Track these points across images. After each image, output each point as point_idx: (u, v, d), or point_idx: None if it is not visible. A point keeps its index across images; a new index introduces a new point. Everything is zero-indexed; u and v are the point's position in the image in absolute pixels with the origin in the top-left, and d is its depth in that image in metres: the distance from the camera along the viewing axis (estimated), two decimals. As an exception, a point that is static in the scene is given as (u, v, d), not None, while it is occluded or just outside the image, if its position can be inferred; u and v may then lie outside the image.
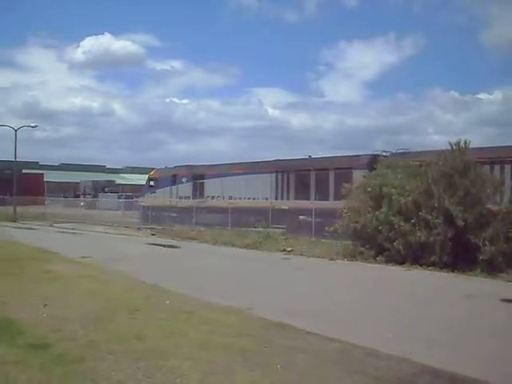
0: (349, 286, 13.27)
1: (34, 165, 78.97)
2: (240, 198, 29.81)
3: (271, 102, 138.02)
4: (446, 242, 15.84)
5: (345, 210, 18.96)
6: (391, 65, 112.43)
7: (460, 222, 15.70)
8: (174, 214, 33.84)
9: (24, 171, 62.88)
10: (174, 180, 35.23)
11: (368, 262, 17.11)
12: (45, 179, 73.54)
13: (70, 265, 14.87)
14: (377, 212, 17.46)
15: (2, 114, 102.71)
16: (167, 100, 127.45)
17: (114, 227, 33.80)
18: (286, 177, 28.63)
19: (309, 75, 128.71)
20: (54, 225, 36.36)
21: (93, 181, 75.23)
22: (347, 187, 20.01)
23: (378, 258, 17.12)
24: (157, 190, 36.56)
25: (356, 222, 18.07)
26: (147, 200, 36.97)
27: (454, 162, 16.77)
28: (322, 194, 26.12)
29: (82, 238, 27.07)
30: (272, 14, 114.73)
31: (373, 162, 22.96)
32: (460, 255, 15.72)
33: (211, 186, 32.60)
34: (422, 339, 7.69)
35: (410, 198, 16.87)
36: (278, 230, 24.98)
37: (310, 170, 27.48)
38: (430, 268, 15.62)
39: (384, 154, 24.60)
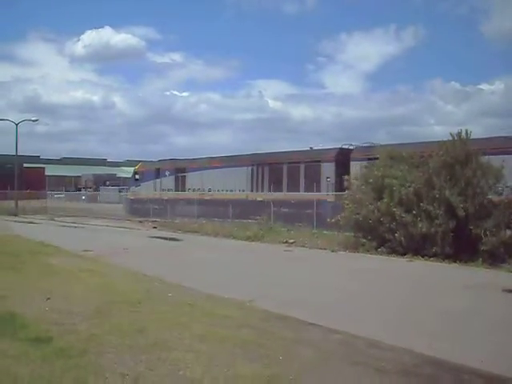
0: (350, 277, 13.26)
1: (35, 159, 79.03)
2: (218, 191, 31.52)
3: (272, 94, 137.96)
4: (448, 233, 15.84)
5: (346, 202, 18.96)
6: (392, 56, 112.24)
7: (461, 213, 15.69)
8: (157, 206, 34.89)
9: (25, 165, 62.86)
10: (158, 174, 37.19)
11: (370, 254, 17.14)
12: (46, 173, 73.61)
13: (71, 258, 14.87)
14: (378, 203, 17.45)
15: (3, 108, 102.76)
16: (167, 93, 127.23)
17: (115, 220, 33.86)
18: (260, 170, 30.24)
19: (309, 67, 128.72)
20: (56, 219, 36.42)
21: (94, 174, 75.30)
22: (348, 179, 20.03)
23: (379, 250, 17.15)
24: (142, 184, 38.48)
25: (358, 214, 18.07)
26: (133, 193, 39.16)
27: (454, 153, 16.73)
28: (294, 186, 27.52)
29: (83, 232, 27.11)
30: (272, 6, 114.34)
31: (339, 155, 25.73)
32: (462, 246, 15.72)
33: (192, 179, 34.52)
34: (425, 330, 7.69)
35: (411, 189, 16.86)
36: (253, 221, 25.54)
37: (282, 163, 29.09)
38: (431, 259, 15.64)
39: (351, 147, 26.50)
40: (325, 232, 21.61)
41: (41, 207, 44.70)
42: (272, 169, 29.84)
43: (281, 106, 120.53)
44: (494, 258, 15.12)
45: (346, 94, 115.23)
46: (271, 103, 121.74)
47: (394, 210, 16.84)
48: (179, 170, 35.86)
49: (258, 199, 28.32)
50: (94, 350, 6.20)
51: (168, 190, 35.93)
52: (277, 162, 29.67)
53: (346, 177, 20.38)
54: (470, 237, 15.73)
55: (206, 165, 33.83)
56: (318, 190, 25.71)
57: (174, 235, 24.61)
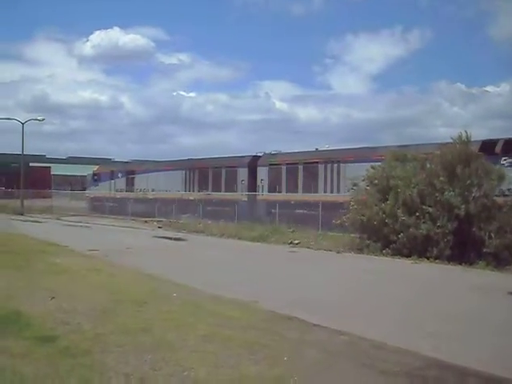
0: (355, 278, 13.24)
1: (41, 158, 78.95)
2: (160, 191, 35.80)
3: (278, 95, 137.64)
4: (449, 234, 15.80)
5: (352, 203, 18.93)
6: (398, 58, 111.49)
7: (461, 213, 15.65)
8: (112, 204, 39.16)
9: (31, 164, 62.93)
10: (112, 175, 41.71)
11: (375, 255, 17.10)
12: (52, 172, 73.65)
13: (77, 258, 14.89)
14: (383, 204, 17.43)
15: (11, 107, 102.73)
16: (174, 93, 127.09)
17: (120, 220, 33.92)
18: (192, 173, 34.90)
19: (316, 68, 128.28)
20: (61, 218, 36.48)
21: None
22: (352, 181, 20.02)
23: (384, 251, 17.12)
24: (99, 184, 42.75)
25: (363, 215, 18.04)
26: (92, 192, 43.45)
27: (452, 154, 16.70)
28: (217, 187, 32.35)
29: (88, 231, 27.16)
30: (279, 7, 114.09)
31: (251, 162, 30.54)
32: (467, 248, 15.67)
33: (140, 180, 39.13)
34: (430, 332, 7.66)
35: (415, 191, 16.84)
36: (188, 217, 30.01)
37: (208, 167, 33.85)
38: (436, 261, 15.59)
39: (259, 155, 30.87)
40: (330, 233, 21.61)
41: (46, 206, 44.82)
42: (200, 172, 34.40)
43: (287, 107, 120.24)
44: (498, 261, 15.06)
45: (353, 95, 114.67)
46: (278, 104, 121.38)
47: (398, 211, 16.82)
48: (129, 172, 40.61)
49: (190, 198, 32.75)
50: (98, 349, 6.21)
51: (120, 190, 40.25)
52: (204, 166, 34.36)
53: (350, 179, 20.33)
54: (475, 239, 15.68)
55: (151, 168, 39.21)
56: (235, 191, 30.74)
57: (179, 235, 24.62)
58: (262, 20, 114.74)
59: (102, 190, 41.61)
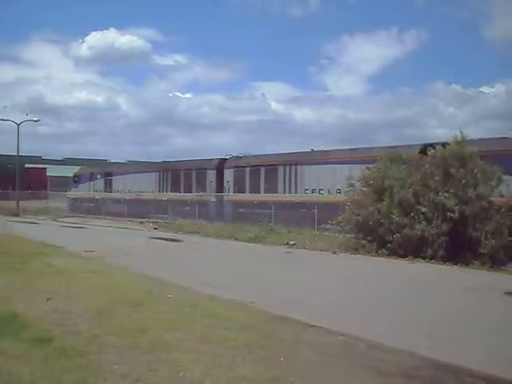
0: (351, 279, 13.26)
1: (37, 159, 78.76)
2: (136, 192, 37.70)
3: (274, 96, 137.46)
4: (442, 235, 15.85)
5: (347, 203, 18.96)
6: (393, 59, 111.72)
7: (455, 215, 15.69)
8: (92, 204, 41.48)
9: (27, 166, 62.81)
10: (92, 177, 43.70)
11: (370, 255, 17.14)
12: (48, 174, 73.46)
13: (73, 259, 14.87)
14: (379, 205, 17.46)
15: (7, 108, 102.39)
16: (170, 94, 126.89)
17: (116, 221, 33.94)
18: (165, 175, 36.89)
19: (312, 69, 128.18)
20: (57, 219, 36.44)
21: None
22: (349, 182, 20.04)
23: (380, 251, 17.15)
24: (80, 185, 44.60)
25: (358, 215, 18.07)
26: (73, 193, 45.19)
27: (447, 154, 16.74)
28: (188, 188, 34.28)
29: (84, 232, 27.15)
30: (275, 9, 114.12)
31: (219, 164, 32.65)
32: (462, 248, 15.71)
33: (117, 181, 41.12)
34: (426, 332, 7.68)
35: (410, 191, 16.88)
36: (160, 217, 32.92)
37: (180, 170, 35.92)
38: (432, 261, 15.62)
39: (227, 157, 32.80)
40: (325, 234, 21.65)
41: (42, 207, 44.81)
42: (173, 174, 36.38)
43: (283, 108, 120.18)
44: (494, 261, 15.10)
45: (349, 96, 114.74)
46: (274, 105, 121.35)
47: (393, 211, 16.85)
48: (108, 174, 42.69)
49: (163, 199, 34.67)
50: (94, 350, 6.20)
51: (99, 191, 42.33)
52: (176, 169, 36.44)
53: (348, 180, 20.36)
54: (470, 239, 15.72)
55: (128, 170, 41.83)
56: (205, 192, 32.81)
57: (175, 236, 24.61)
58: (258, 21, 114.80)
59: (82, 191, 43.76)
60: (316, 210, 24.08)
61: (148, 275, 12.10)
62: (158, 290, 10.24)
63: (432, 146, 20.63)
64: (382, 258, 16.65)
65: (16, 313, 7.92)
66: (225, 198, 31.64)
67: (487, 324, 8.43)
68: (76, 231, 27.96)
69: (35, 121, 47.84)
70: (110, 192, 41.01)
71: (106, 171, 43.46)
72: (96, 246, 18.05)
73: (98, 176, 43.14)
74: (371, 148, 25.28)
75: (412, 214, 16.53)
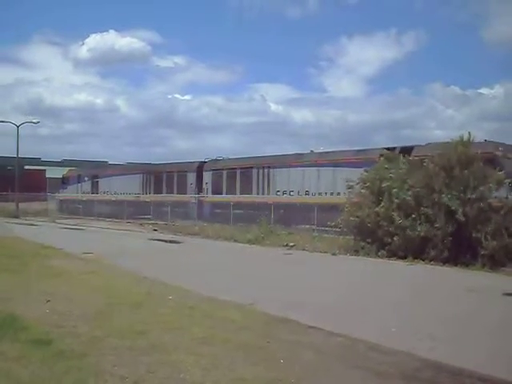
0: (351, 280, 13.27)
1: (36, 161, 78.71)
2: (121, 193, 38.86)
3: (274, 98, 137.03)
4: (447, 236, 15.84)
5: (346, 205, 18.97)
6: (392, 60, 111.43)
7: (460, 217, 15.69)
8: (80, 205, 42.03)
9: (26, 167, 62.79)
10: (79, 179, 45.34)
11: (370, 257, 17.12)
12: (47, 175, 73.40)
13: (72, 261, 14.87)
14: (377, 208, 17.45)
15: (7, 110, 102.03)
16: (170, 96, 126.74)
17: (115, 223, 33.94)
18: (149, 177, 38.52)
19: (311, 71, 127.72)
20: (56, 221, 36.42)
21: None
22: (349, 184, 20.06)
23: (379, 253, 17.12)
24: (68, 187, 46.31)
25: (357, 217, 18.07)
26: (61, 194, 46.42)
27: (451, 156, 16.73)
28: (170, 190, 35.62)
29: (84, 234, 27.13)
30: (274, 10, 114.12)
31: (199, 167, 34.20)
32: (463, 250, 15.70)
33: (103, 183, 42.61)
34: (426, 333, 7.68)
35: (409, 193, 16.87)
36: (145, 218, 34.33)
37: (162, 172, 37.67)
38: (432, 262, 15.61)
39: (207, 160, 34.45)
40: (325, 235, 21.66)
41: (42, 209, 44.82)
42: (156, 177, 37.93)
43: (282, 110, 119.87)
44: (494, 262, 15.09)
45: (348, 97, 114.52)
46: (273, 107, 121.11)
47: (393, 213, 16.84)
48: (94, 176, 44.10)
49: (146, 200, 35.97)
50: (94, 352, 6.20)
51: (86, 193, 43.63)
52: (159, 171, 38.28)
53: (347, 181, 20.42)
54: (471, 240, 15.71)
55: (113, 172, 43.14)
56: (185, 193, 34.17)
57: (175, 238, 24.61)
58: (257, 23, 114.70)
59: (71, 193, 45.34)
60: (282, 211, 25.87)
61: (148, 277, 12.09)
62: (158, 292, 10.24)
63: (392, 149, 22.77)
64: (381, 260, 16.64)
65: (15, 314, 7.92)
66: (204, 199, 32.94)
67: (487, 325, 8.43)
68: (75, 233, 27.93)
69: (35, 122, 47.90)
70: (97, 194, 42.47)
71: (93, 173, 44.91)
72: (95, 248, 18.04)
73: (86, 178, 44.73)
74: (339, 152, 27.71)
75: (413, 216, 16.51)
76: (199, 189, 33.70)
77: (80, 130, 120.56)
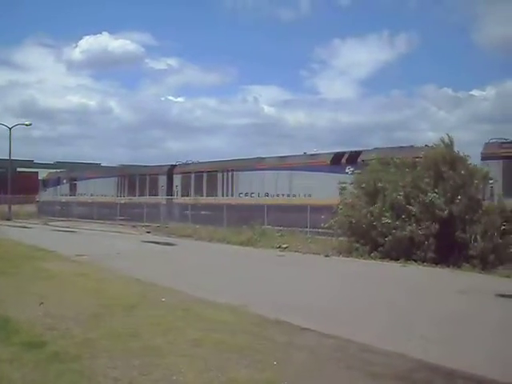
0: (344, 282, 13.30)
1: (29, 163, 78.49)
2: (98, 195, 40.56)
3: (267, 100, 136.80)
4: (435, 237, 15.91)
5: (340, 206, 19.00)
6: (385, 62, 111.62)
7: (444, 214, 15.77)
8: (59, 207, 43.91)
9: (19, 170, 62.57)
10: (58, 181, 46.31)
11: (363, 258, 17.16)
12: (40, 178, 73.13)
13: (65, 263, 14.85)
14: (371, 208, 17.51)
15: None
16: (163, 98, 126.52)
17: (108, 225, 33.91)
18: (123, 180, 39.84)
19: (303, 73, 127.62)
20: (49, 223, 36.34)
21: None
22: (341, 185, 20.14)
23: (372, 254, 17.18)
24: (47, 189, 47.58)
25: (350, 218, 18.10)
26: (41, 196, 47.89)
27: (437, 156, 16.87)
28: (142, 192, 37.12)
29: (76, 236, 27.07)
30: (267, 13, 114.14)
31: (169, 170, 35.57)
32: (453, 251, 15.77)
33: (81, 186, 43.87)
34: (419, 334, 7.70)
35: (401, 193, 16.95)
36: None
37: (135, 175, 39.20)
38: (424, 264, 15.67)
39: (179, 163, 35.92)
40: (318, 237, 21.69)
41: (34, 211, 44.76)
42: (129, 179, 39.25)
43: (276, 112, 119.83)
44: (485, 263, 15.16)
45: (341, 99, 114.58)
46: (266, 109, 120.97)
47: (386, 214, 16.91)
48: (73, 178, 45.19)
49: (121, 202, 37.36)
50: (87, 354, 6.19)
51: (65, 195, 44.90)
52: (132, 174, 39.95)
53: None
54: (461, 242, 15.79)
55: (90, 175, 44.05)
56: (157, 195, 35.75)
57: (168, 240, 24.59)
58: (250, 25, 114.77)
59: (50, 195, 46.49)
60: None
61: (141, 279, 12.09)
62: (151, 294, 10.24)
63: (342, 154, 25.60)
64: (374, 261, 16.68)
65: (8, 317, 7.90)
66: (174, 201, 34.65)
67: (480, 326, 8.46)
68: (68, 235, 27.89)
69: (27, 125, 47.83)
70: (75, 196, 43.86)
71: (71, 176, 45.89)
72: (88, 250, 18.02)
73: (64, 181, 45.80)
74: (294, 156, 29.41)
75: (403, 216, 16.60)
76: (169, 191, 35.29)
77: (73, 132, 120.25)
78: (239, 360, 6.13)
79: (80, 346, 6.54)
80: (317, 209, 23.32)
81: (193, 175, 34.11)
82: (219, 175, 32.25)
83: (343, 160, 25.24)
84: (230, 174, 31.58)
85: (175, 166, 35.95)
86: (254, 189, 29.89)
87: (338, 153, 26.18)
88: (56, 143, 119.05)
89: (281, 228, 24.45)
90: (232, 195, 30.99)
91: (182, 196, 34.20)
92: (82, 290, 10.61)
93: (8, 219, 39.63)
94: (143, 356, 6.15)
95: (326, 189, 23.90)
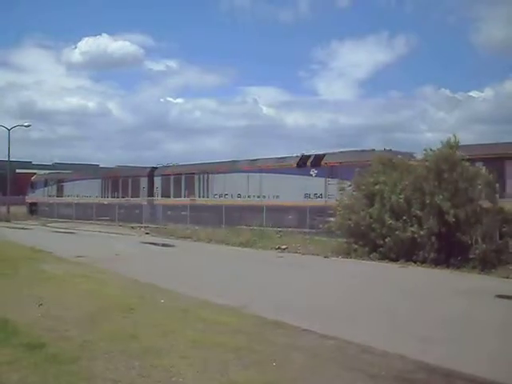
0: (343, 283, 13.29)
1: (28, 164, 78.47)
2: (83, 196, 41.99)
3: (266, 101, 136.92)
4: (437, 238, 15.89)
5: (339, 208, 19.00)
6: (384, 63, 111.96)
7: (450, 218, 15.75)
8: (46, 208, 45.36)
9: (18, 171, 62.58)
10: (46, 183, 47.72)
11: (362, 260, 17.15)
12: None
13: (64, 264, 14.82)
14: (370, 209, 17.50)
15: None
16: (162, 100, 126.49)
17: (107, 226, 33.90)
18: (107, 182, 41.24)
19: (302, 74, 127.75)
20: (48, 224, 36.32)
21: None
22: (341, 187, 20.22)
23: (371, 255, 17.16)
24: (36, 190, 48.75)
25: (349, 219, 18.10)
26: (30, 198, 49.11)
27: (441, 159, 16.82)
28: (125, 193, 38.59)
29: (75, 238, 27.07)
30: (266, 14, 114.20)
31: (150, 172, 37.17)
32: (454, 252, 15.76)
33: (67, 187, 45.17)
34: (418, 336, 7.69)
35: (401, 195, 16.92)
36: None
37: (119, 177, 40.84)
38: (423, 265, 15.65)
39: (159, 166, 37.44)
40: (317, 238, 21.70)
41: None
42: (113, 181, 40.77)
43: (275, 113, 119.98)
44: (485, 264, 15.15)
45: (339, 100, 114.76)
46: (265, 110, 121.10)
47: (386, 215, 16.89)
48: (60, 180, 46.35)
49: (105, 203, 39.18)
50: (86, 356, 6.18)
51: (52, 196, 46.15)
52: (116, 176, 41.55)
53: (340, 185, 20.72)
54: (462, 243, 15.77)
55: (76, 177, 45.31)
56: (138, 196, 37.19)
57: (167, 241, 24.59)
58: (249, 26, 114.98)
59: (38, 197, 47.84)
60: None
61: (140, 280, 12.08)
62: (150, 296, 10.22)
63: (307, 157, 26.93)
64: (373, 262, 16.67)
65: (7, 319, 7.88)
66: (155, 202, 36.14)
67: (480, 327, 8.46)
68: (67, 236, 27.87)
69: (26, 126, 47.95)
70: (62, 197, 45.06)
71: (58, 178, 47.04)
72: (87, 252, 17.99)
73: (51, 182, 47.09)
74: (264, 159, 30.34)
75: (404, 217, 16.57)
76: (150, 192, 36.72)
77: (72, 134, 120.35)
78: (238, 361, 6.12)
79: (79, 347, 6.53)
80: (284, 209, 26.57)
81: (172, 177, 35.49)
82: (196, 177, 33.58)
83: (308, 163, 26.84)
84: (205, 176, 32.99)
85: (156, 168, 37.45)
86: (227, 190, 31.14)
87: (303, 156, 27.49)
88: (55, 144, 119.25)
89: (279, 229, 24.84)
90: (207, 196, 32.50)
91: (162, 197, 35.58)
92: (81, 291, 10.59)
93: (7, 220, 39.58)
94: (142, 357, 6.14)
95: (291, 191, 26.51)
